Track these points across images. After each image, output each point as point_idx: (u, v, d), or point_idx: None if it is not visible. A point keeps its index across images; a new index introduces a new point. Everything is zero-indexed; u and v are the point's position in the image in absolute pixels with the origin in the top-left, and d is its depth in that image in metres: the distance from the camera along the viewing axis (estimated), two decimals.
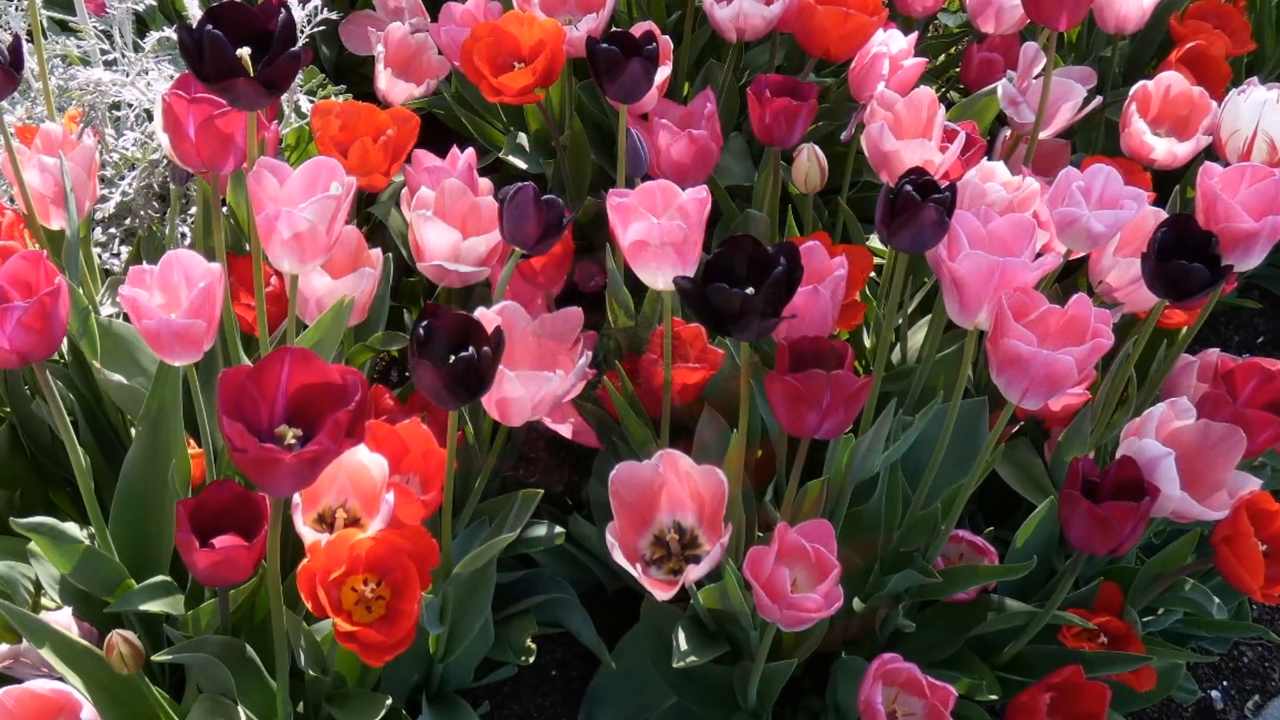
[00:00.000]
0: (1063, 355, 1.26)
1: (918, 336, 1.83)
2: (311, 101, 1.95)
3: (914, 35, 1.88)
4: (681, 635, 1.47)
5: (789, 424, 1.33)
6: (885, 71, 1.82)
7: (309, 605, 1.24)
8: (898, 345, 1.83)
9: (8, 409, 1.63)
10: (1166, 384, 1.68)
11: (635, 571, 1.33)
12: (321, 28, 1.99)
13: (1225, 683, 1.83)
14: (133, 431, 1.49)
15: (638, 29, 1.61)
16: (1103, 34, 2.21)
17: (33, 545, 1.42)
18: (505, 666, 1.62)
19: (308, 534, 1.32)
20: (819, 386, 1.29)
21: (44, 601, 1.49)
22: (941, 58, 2.41)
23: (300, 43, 1.72)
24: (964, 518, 1.68)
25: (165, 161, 1.82)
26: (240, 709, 1.35)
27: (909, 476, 1.56)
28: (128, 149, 1.82)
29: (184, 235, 1.81)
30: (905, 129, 1.70)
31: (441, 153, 1.74)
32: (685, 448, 1.45)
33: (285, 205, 1.31)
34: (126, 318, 1.58)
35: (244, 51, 1.22)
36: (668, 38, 1.85)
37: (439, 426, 1.51)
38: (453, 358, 1.20)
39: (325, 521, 1.35)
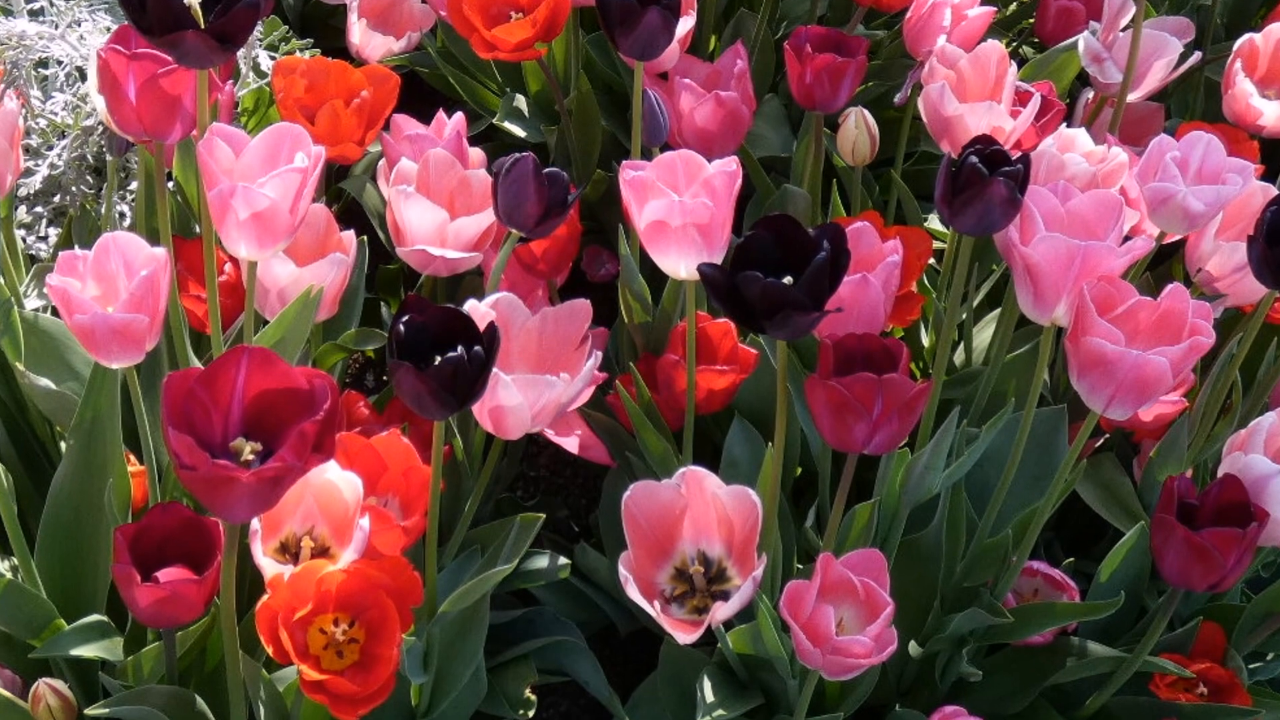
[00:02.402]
0: (1155, 356, 1.26)
1: (985, 334, 1.83)
2: (273, 58, 1.95)
3: None
4: (707, 685, 1.47)
5: (833, 437, 1.33)
6: (947, 22, 1.82)
7: (270, 650, 1.24)
8: (961, 344, 1.83)
9: None
10: (1277, 390, 1.68)
11: (653, 610, 1.33)
12: None
13: None
14: (62, 446, 1.50)
15: None
16: None
17: None
18: None
19: (268, 566, 1.32)
20: (869, 393, 1.29)
21: None
22: (1013, 6, 2.41)
23: None
24: (1039, 547, 1.68)
25: (101, 129, 1.83)
26: None
27: (974, 499, 1.56)
28: (57, 114, 1.82)
29: (123, 215, 1.81)
30: (970, 90, 1.70)
31: (425, 118, 1.74)
32: (712, 465, 1.45)
33: (242, 180, 1.31)
34: (55, 312, 1.58)
35: None
36: None
37: (422, 440, 1.51)
38: (438, 359, 1.20)
39: (289, 551, 1.35)
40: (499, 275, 1.53)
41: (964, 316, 1.81)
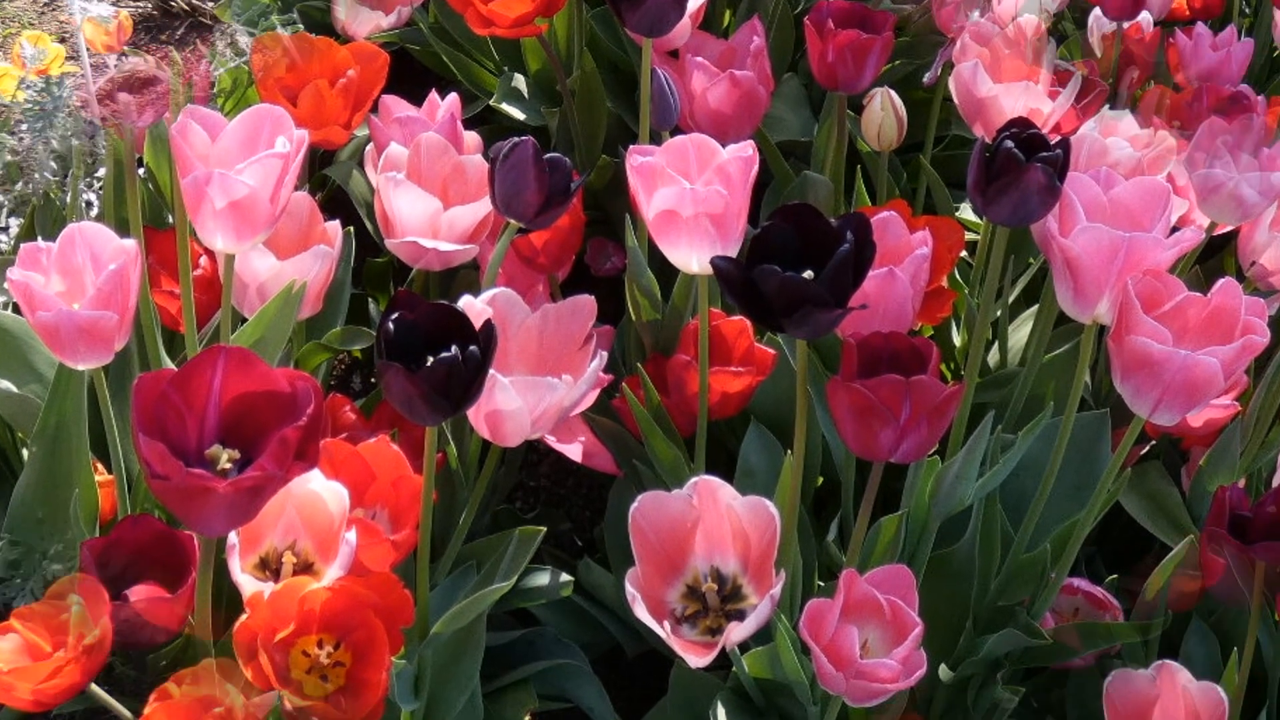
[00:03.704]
0: (1205, 356, 1.25)
1: (1021, 332, 1.82)
2: (251, 34, 1.95)
3: None
4: (721, 711, 1.47)
5: (857, 444, 1.33)
6: None
7: (249, 674, 1.24)
8: (995, 344, 1.83)
9: None
10: None
11: (662, 631, 1.33)
12: None
13: None
14: (24, 453, 1.49)
15: None
16: None
17: None
18: None
19: (247, 583, 1.32)
20: (896, 396, 1.28)
21: None
22: None
23: None
24: (1079, 563, 1.68)
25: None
26: None
27: (1010, 510, 1.56)
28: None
29: (89, 204, 1.81)
30: (1005, 69, 1.70)
31: (416, 100, 1.74)
32: (726, 474, 1.45)
33: (218, 166, 1.31)
34: (17, 309, 1.58)
35: None
36: None
37: (413, 447, 1.51)
38: (431, 360, 1.20)
39: (269, 567, 1.35)
40: (496, 269, 1.53)
41: (998, 314, 1.80)
